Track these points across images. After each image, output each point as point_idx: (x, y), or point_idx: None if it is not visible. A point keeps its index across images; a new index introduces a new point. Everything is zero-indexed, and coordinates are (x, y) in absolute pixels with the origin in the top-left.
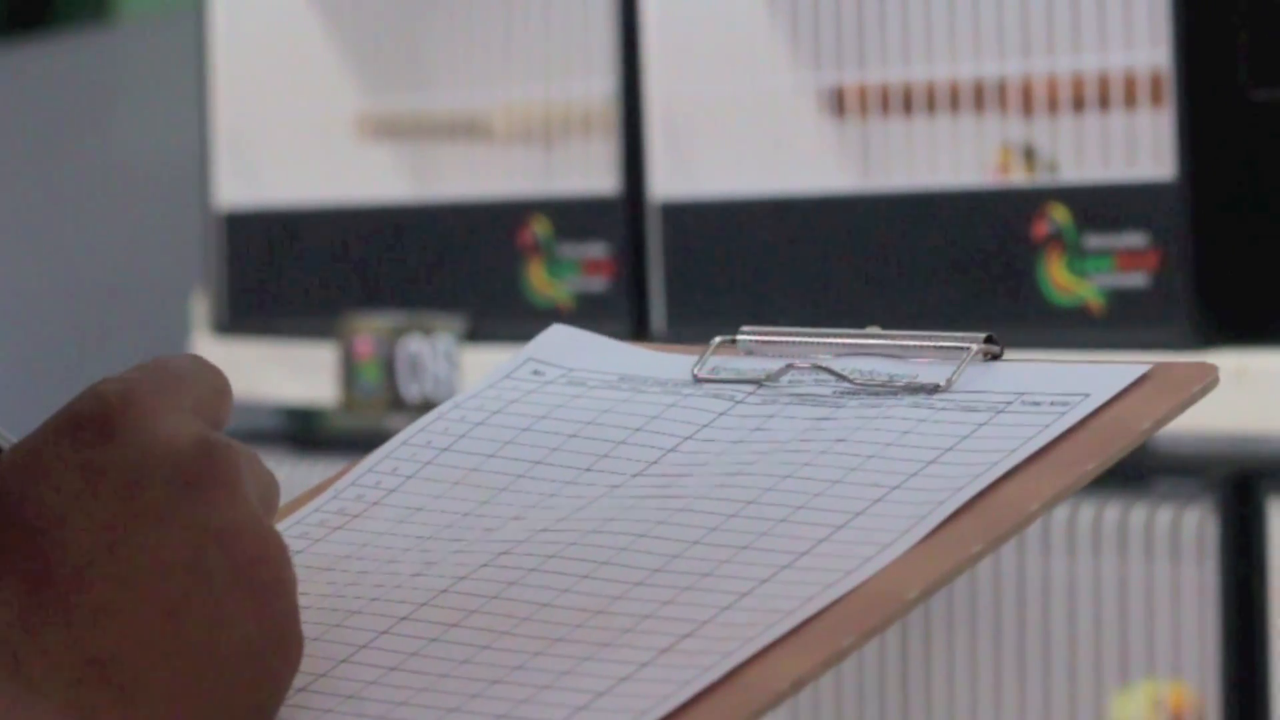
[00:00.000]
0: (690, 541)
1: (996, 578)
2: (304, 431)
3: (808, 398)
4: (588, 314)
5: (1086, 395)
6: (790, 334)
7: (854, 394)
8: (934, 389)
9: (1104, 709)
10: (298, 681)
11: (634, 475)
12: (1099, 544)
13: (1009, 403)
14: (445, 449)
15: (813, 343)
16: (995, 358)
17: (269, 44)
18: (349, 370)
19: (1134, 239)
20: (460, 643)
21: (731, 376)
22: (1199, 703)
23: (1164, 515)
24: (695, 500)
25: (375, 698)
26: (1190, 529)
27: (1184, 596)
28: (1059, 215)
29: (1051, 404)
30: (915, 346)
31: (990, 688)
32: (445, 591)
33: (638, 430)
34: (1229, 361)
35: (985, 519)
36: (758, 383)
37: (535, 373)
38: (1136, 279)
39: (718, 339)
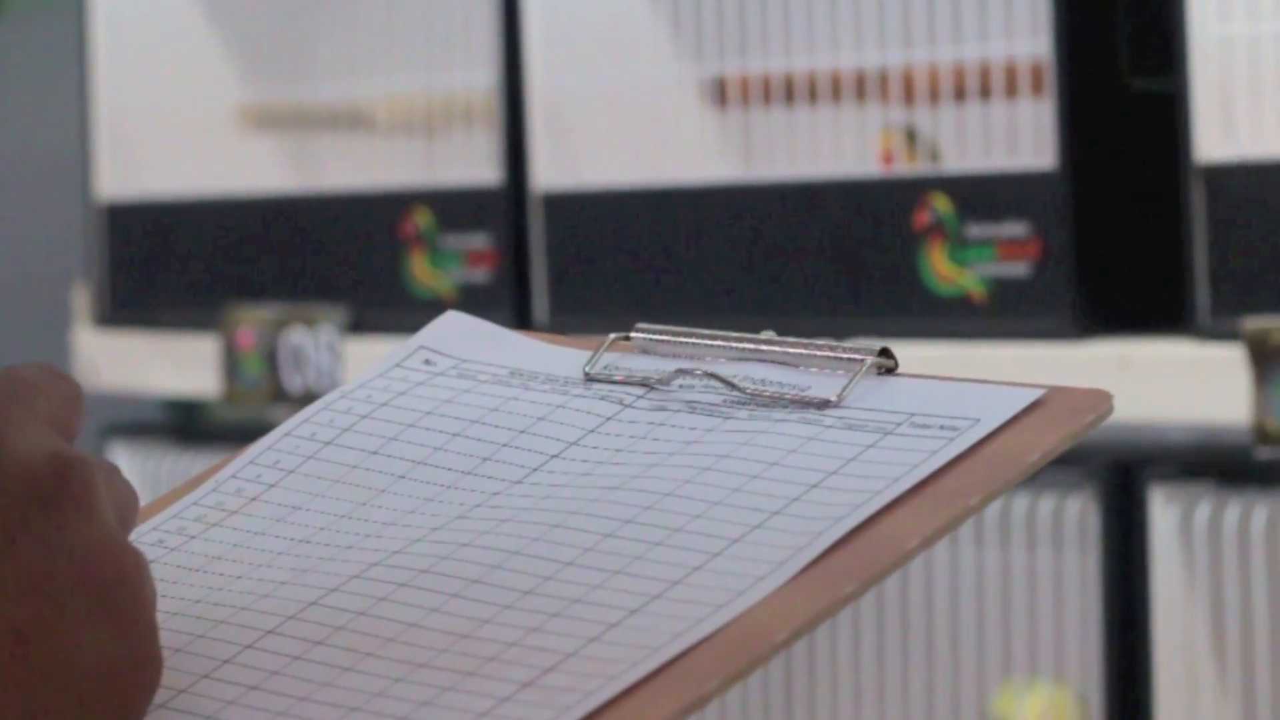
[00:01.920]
0: (564, 562)
1: None
2: (187, 424)
3: (697, 405)
4: (470, 305)
5: (977, 421)
6: (685, 334)
7: (744, 404)
8: (824, 404)
9: (987, 701)
10: (158, 697)
11: (515, 482)
12: (981, 534)
13: (898, 424)
14: (329, 443)
15: (707, 345)
16: (890, 371)
17: (150, 35)
18: (231, 362)
19: (1015, 228)
20: (323, 663)
21: (623, 377)
22: (1082, 704)
23: (1046, 505)
24: (573, 516)
25: (232, 719)
26: (1072, 518)
27: (1066, 585)
28: (940, 205)
29: (941, 428)
30: (809, 355)
31: (874, 679)
32: (314, 604)
33: (523, 433)
34: (1110, 350)
35: (862, 556)
36: (649, 385)
37: (426, 362)
38: (1018, 269)
39: (612, 335)
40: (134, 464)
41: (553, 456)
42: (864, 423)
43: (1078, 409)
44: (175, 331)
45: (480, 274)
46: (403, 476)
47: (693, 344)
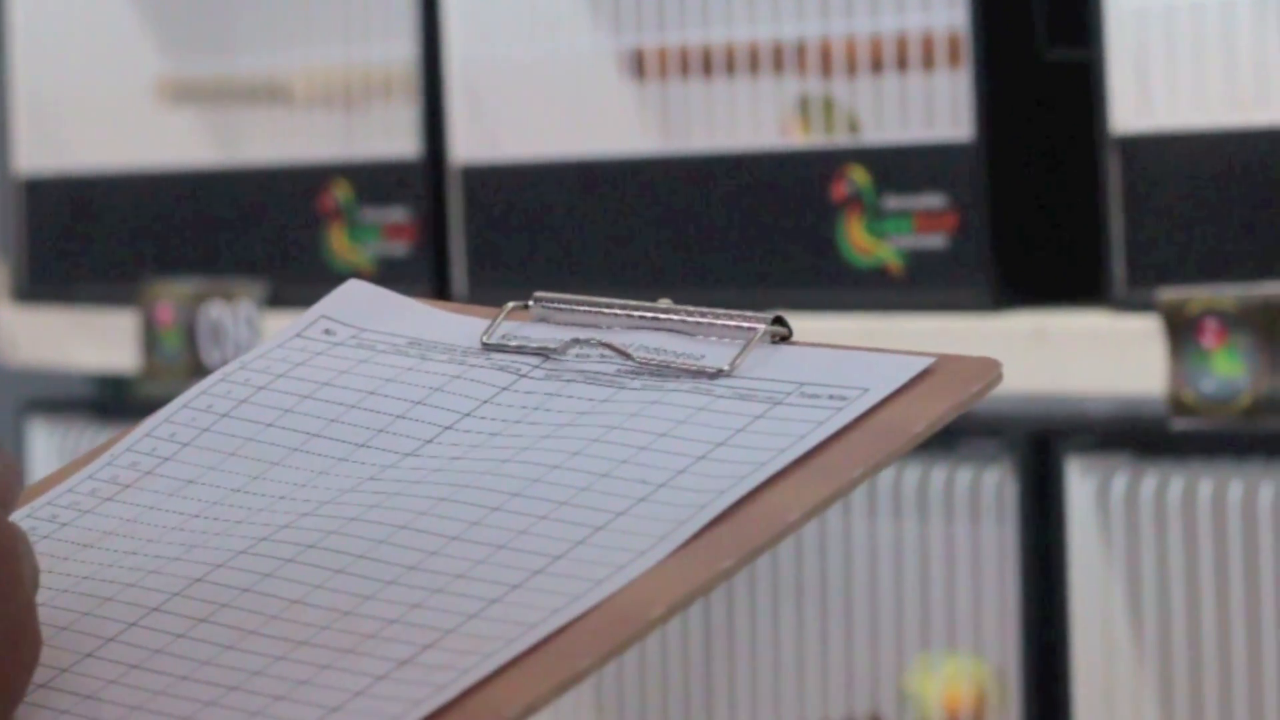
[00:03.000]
0: (449, 537)
1: (798, 540)
2: (108, 399)
3: (591, 375)
4: (389, 278)
5: (865, 390)
6: (582, 303)
7: (637, 374)
8: (716, 373)
9: (905, 670)
10: (40, 676)
11: (408, 454)
12: (899, 505)
13: (788, 394)
14: (225, 415)
15: (604, 313)
16: (784, 339)
17: (68, 9)
18: (150, 337)
19: (932, 200)
20: (206, 640)
21: (519, 346)
22: (999, 677)
23: (963, 476)
24: (461, 490)
25: (112, 699)
26: (990, 490)
27: (983, 557)
28: (858, 176)
29: (830, 398)
30: (704, 324)
31: (793, 653)
32: (200, 581)
33: (419, 404)
34: (1027, 322)
35: (742, 529)
36: (544, 355)
37: (326, 331)
38: (935, 240)
39: (510, 304)
40: (54, 440)
41: (446, 428)
42: (754, 392)
43: (967, 378)
44: (94, 307)
45: (399, 247)
46: (297, 449)
47: (589, 312)
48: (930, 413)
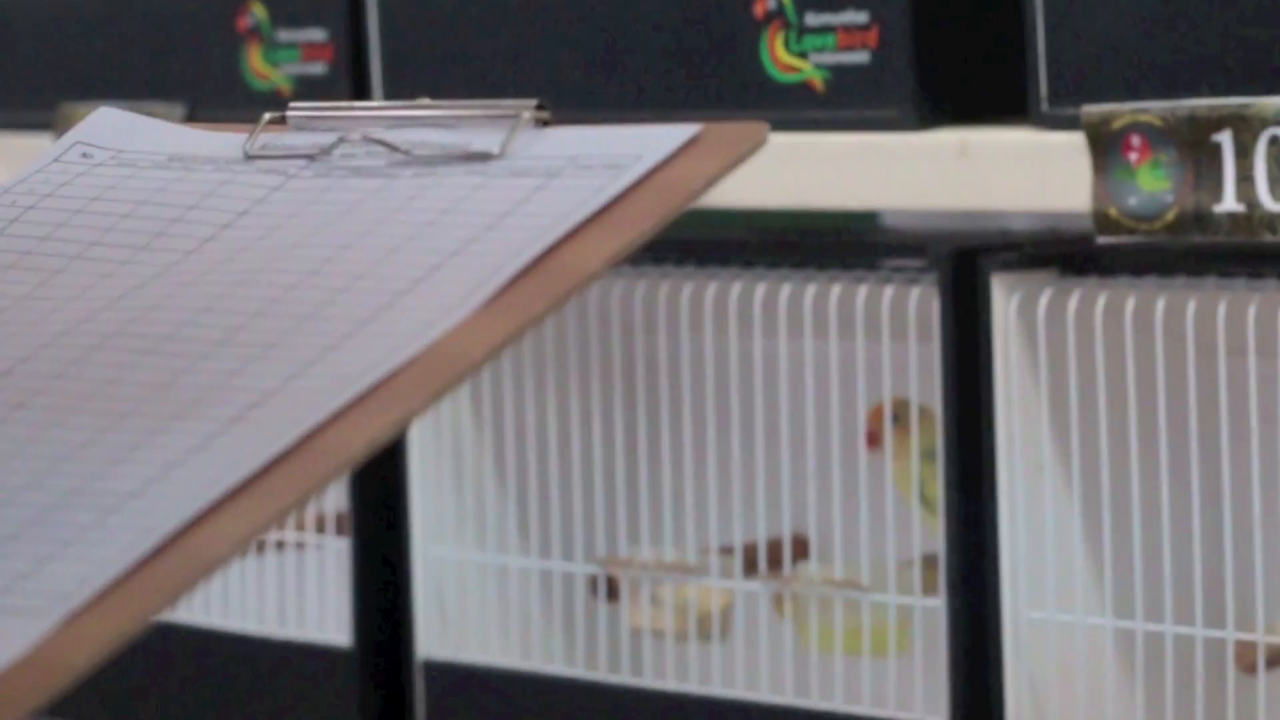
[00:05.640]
0: (251, 314)
1: (720, 360)
2: None
3: (362, 170)
4: (307, 98)
5: (639, 157)
6: (340, 108)
7: (407, 164)
8: (487, 156)
9: (828, 485)
10: None
11: (190, 252)
12: (822, 324)
13: (562, 168)
14: None
15: (363, 116)
16: (546, 124)
17: None
18: None
19: (855, 16)
20: (27, 423)
21: (283, 152)
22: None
23: (887, 294)
24: (254, 274)
25: None
26: (913, 307)
27: (908, 374)
28: None
29: (605, 167)
30: (466, 116)
31: (716, 472)
32: (8, 374)
33: (192, 208)
34: (950, 138)
35: (546, 281)
36: (310, 157)
37: (84, 155)
38: (858, 56)
39: (267, 115)
40: None
41: (224, 227)
42: (529, 169)
43: (734, 140)
44: (9, 132)
45: (317, 68)
46: (77, 257)
47: (347, 118)
48: (706, 171)
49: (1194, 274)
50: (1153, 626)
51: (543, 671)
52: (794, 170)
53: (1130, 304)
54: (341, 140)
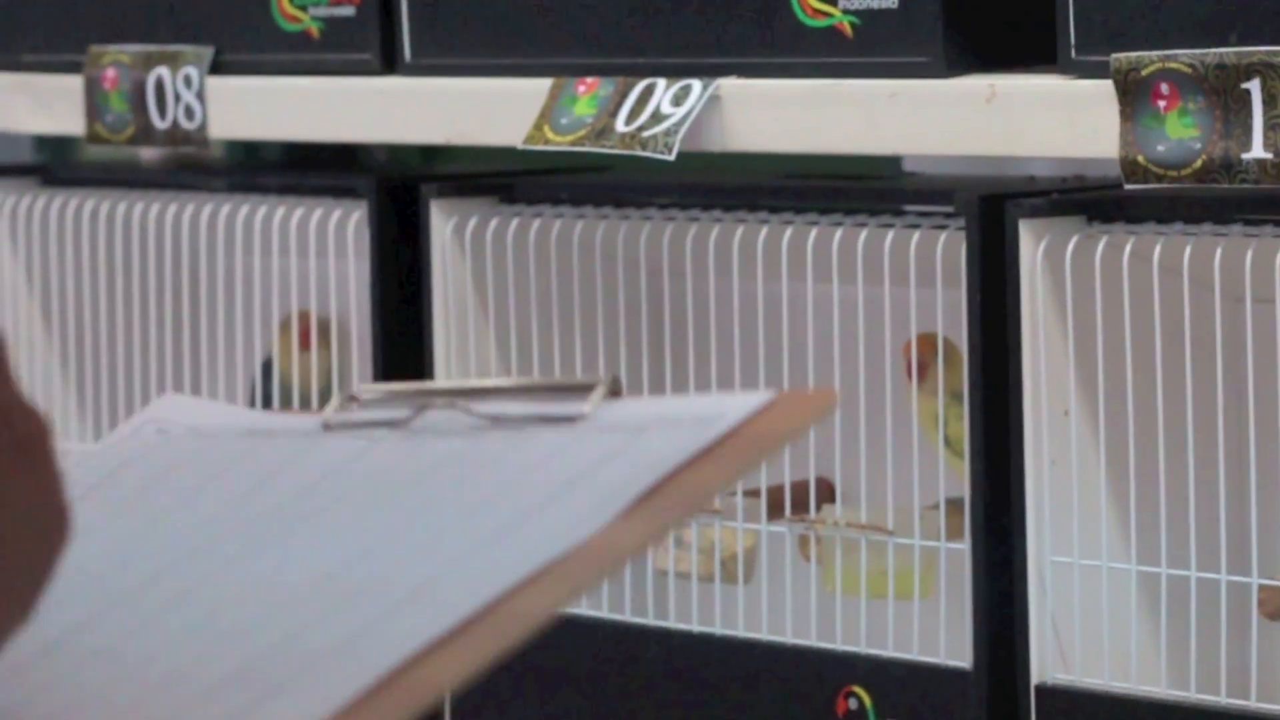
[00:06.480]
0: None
1: (746, 300)
2: (53, 164)
3: (446, 434)
4: (336, 42)
5: (721, 415)
6: (410, 388)
7: (492, 428)
8: (575, 418)
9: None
10: None
11: (286, 499)
12: (849, 269)
13: (648, 425)
14: (92, 487)
15: (433, 391)
16: (616, 395)
17: None
18: (95, 101)
19: None
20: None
21: (363, 422)
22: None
23: (915, 239)
24: (364, 512)
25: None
26: (940, 253)
27: (934, 320)
28: None
29: (693, 421)
30: (536, 389)
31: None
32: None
33: (281, 469)
34: (978, 85)
35: (670, 499)
36: (392, 425)
37: (159, 431)
38: (887, 2)
39: (336, 396)
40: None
41: (314, 483)
42: (616, 427)
43: (806, 405)
44: (40, 73)
45: (346, 10)
46: (180, 505)
47: (420, 392)
48: (781, 429)
49: (1221, 221)
50: (1177, 571)
51: (569, 612)
52: (822, 115)
53: (1157, 251)
54: (423, 408)
